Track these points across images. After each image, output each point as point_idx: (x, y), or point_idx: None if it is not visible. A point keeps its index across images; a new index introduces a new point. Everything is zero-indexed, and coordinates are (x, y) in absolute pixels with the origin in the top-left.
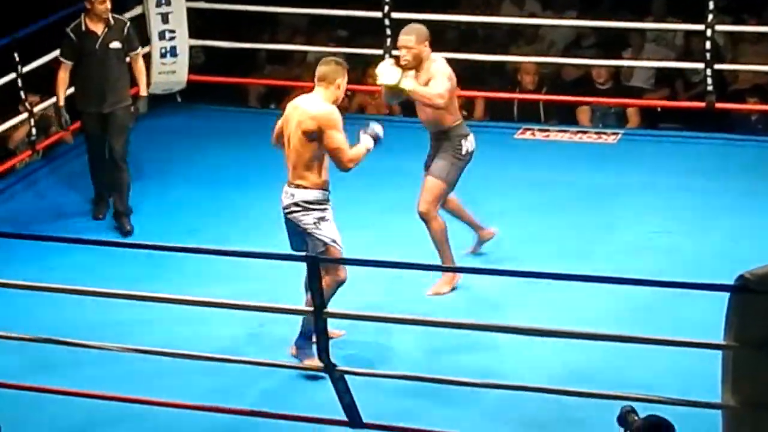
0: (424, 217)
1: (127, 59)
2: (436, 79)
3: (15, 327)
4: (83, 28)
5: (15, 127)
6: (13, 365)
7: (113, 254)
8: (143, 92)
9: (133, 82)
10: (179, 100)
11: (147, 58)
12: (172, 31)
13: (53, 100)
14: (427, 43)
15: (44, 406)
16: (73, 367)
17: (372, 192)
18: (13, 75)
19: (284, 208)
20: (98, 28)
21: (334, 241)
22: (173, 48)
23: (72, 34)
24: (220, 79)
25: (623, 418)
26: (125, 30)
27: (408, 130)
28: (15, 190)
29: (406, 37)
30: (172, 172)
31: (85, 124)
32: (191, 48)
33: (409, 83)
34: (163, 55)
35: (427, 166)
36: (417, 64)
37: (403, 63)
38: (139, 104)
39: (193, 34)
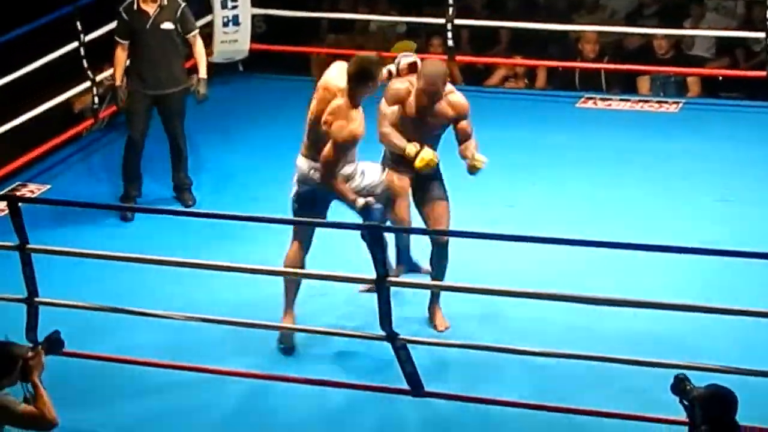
0: (445, 244)
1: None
2: (466, 115)
3: (78, 295)
4: (135, 7)
5: (80, 95)
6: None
7: (175, 223)
8: (203, 74)
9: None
10: (241, 69)
11: (209, 26)
12: (235, 0)
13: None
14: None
15: (110, 372)
16: (136, 334)
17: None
18: (75, 44)
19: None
20: (150, 8)
21: None
22: (235, 17)
23: (124, 14)
24: (281, 48)
25: (678, 387)
26: (179, 11)
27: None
28: (77, 158)
29: (435, 82)
30: (233, 141)
31: (133, 104)
32: (253, 17)
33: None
34: (225, 24)
35: (421, 196)
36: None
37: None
38: (199, 86)
39: (255, 3)
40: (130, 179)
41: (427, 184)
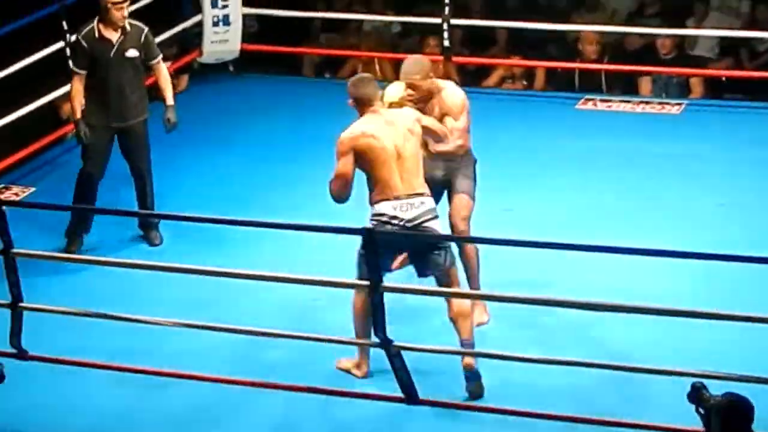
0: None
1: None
2: (453, 113)
3: (67, 302)
4: (96, 34)
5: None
6: (62, 340)
7: (164, 227)
8: (170, 102)
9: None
10: (231, 69)
11: (199, 26)
12: (225, 0)
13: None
14: (432, 74)
15: (94, 380)
16: (123, 341)
17: None
18: (61, 43)
19: (417, 219)
20: (113, 35)
21: None
22: (226, 16)
23: (84, 42)
24: (273, 48)
25: (695, 396)
26: (142, 37)
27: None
28: (62, 161)
29: (411, 75)
30: (224, 142)
31: (94, 138)
32: (245, 17)
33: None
34: (215, 24)
35: (444, 185)
36: (427, 99)
37: (409, 100)
38: (168, 114)
39: (246, 2)
40: (81, 218)
41: (456, 179)
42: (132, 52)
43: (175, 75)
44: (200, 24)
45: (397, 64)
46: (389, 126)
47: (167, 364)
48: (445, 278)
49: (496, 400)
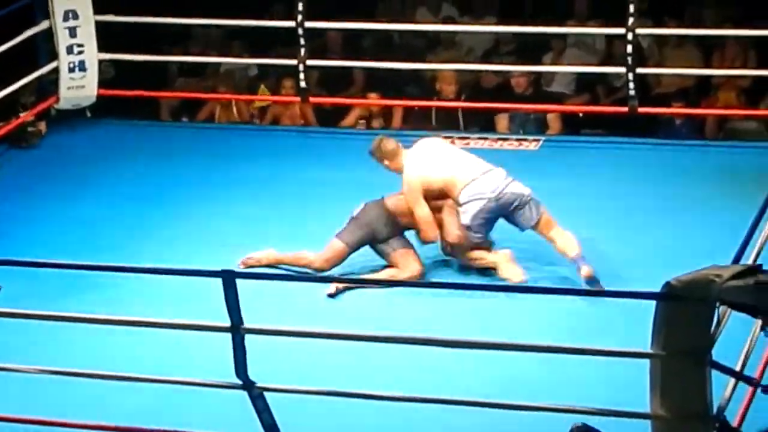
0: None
1: None
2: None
3: None
4: None
5: None
6: None
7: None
8: None
9: None
10: (89, 115)
11: (55, 72)
12: (81, 45)
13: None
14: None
15: None
16: None
17: (296, 204)
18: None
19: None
20: None
21: None
22: (82, 62)
23: None
24: (130, 92)
25: None
26: None
27: (324, 140)
28: None
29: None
30: (82, 187)
31: None
32: (100, 62)
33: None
34: (71, 70)
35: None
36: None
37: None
38: None
39: (102, 48)
40: None
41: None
42: None
43: (33, 122)
44: (57, 70)
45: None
46: None
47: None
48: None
49: None
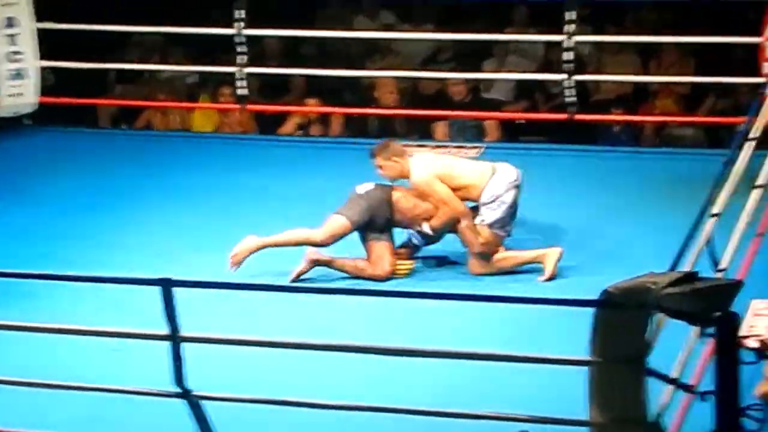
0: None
1: None
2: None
3: None
4: None
5: None
6: None
7: None
8: None
9: None
10: (29, 122)
11: None
12: (20, 53)
13: None
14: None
15: None
16: None
17: (234, 213)
18: None
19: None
20: None
21: None
22: (21, 70)
23: None
24: (69, 100)
25: None
26: None
27: (264, 149)
28: None
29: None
30: (21, 195)
31: None
32: (41, 69)
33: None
34: (11, 78)
35: None
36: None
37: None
38: None
39: (41, 55)
40: None
41: None
42: None
43: None
44: None
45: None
46: None
47: None
48: None
49: None
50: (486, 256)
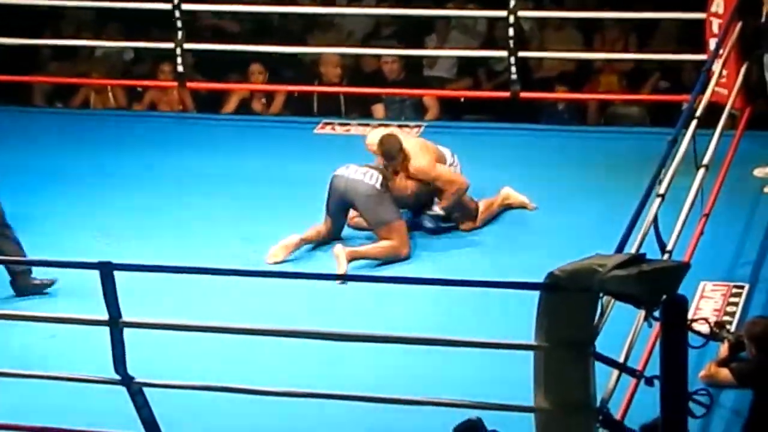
0: None
1: None
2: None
3: None
4: None
5: None
6: None
7: None
8: None
9: None
10: None
11: None
12: None
13: None
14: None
15: None
16: None
17: (175, 196)
18: None
19: None
20: None
21: None
22: None
23: None
24: (1, 77)
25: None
26: None
27: (204, 128)
28: None
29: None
30: None
31: None
32: None
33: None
34: None
35: None
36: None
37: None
38: None
39: None
40: None
41: None
42: None
43: None
44: None
45: (129, 91)
46: None
47: None
48: None
49: None
50: (474, 215)
